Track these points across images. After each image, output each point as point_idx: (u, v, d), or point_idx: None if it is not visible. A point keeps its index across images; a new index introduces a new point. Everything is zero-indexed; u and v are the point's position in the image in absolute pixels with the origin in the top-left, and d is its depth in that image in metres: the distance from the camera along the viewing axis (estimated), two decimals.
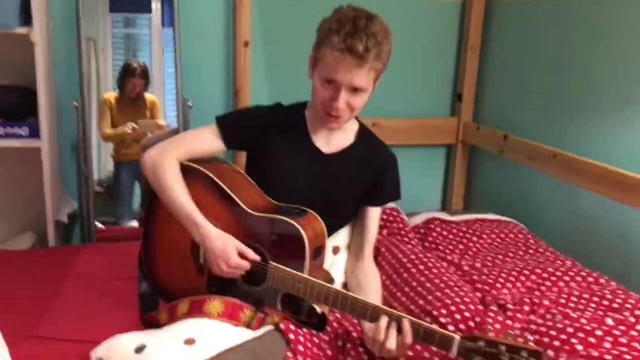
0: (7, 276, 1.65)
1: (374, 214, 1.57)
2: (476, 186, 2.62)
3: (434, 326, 1.19)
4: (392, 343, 1.20)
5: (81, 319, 1.45)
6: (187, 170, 1.47)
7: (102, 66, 2.26)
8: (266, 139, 1.51)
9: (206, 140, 1.50)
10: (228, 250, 1.32)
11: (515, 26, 2.32)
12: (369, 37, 1.29)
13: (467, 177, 2.64)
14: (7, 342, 1.24)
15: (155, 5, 2.24)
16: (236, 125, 1.52)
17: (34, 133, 1.86)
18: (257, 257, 1.36)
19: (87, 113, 2.07)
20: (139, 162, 1.50)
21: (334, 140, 1.52)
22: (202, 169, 1.47)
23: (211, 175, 1.46)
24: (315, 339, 1.33)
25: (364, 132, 1.56)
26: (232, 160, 2.08)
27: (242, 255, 1.35)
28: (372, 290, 1.48)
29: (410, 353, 1.28)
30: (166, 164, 1.43)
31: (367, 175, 1.53)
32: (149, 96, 2.29)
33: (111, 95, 2.25)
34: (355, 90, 1.35)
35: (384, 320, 1.22)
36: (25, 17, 1.78)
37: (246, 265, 1.34)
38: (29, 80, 1.87)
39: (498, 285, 1.53)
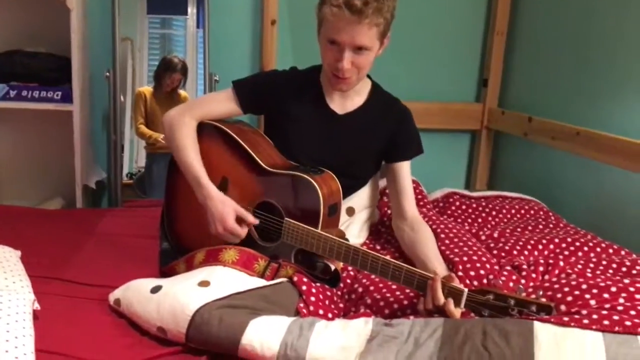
0: (37, 230, 1.73)
1: (404, 169, 1.55)
2: (500, 171, 2.59)
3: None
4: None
5: (103, 268, 1.51)
6: (210, 128, 1.52)
7: (138, 64, 2.35)
8: (282, 102, 1.54)
9: (223, 104, 1.55)
10: (226, 213, 1.36)
11: (542, 10, 2.30)
12: None
13: (491, 162, 2.62)
14: (33, 283, 1.29)
15: (191, 10, 2.34)
16: (252, 90, 1.55)
17: (67, 98, 1.94)
18: (255, 221, 1.39)
19: (118, 82, 2.14)
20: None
21: (348, 101, 1.54)
22: (224, 127, 1.52)
23: (232, 133, 1.50)
24: (327, 292, 1.35)
25: (376, 90, 1.58)
26: (255, 125, 2.11)
27: (241, 219, 1.38)
28: (427, 241, 1.44)
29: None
30: (182, 124, 1.48)
31: (383, 130, 1.53)
32: (182, 92, 2.36)
33: (146, 89, 2.32)
34: (359, 49, 1.35)
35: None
36: None
37: (241, 231, 1.37)
38: (65, 50, 1.96)
39: (515, 252, 1.50)
